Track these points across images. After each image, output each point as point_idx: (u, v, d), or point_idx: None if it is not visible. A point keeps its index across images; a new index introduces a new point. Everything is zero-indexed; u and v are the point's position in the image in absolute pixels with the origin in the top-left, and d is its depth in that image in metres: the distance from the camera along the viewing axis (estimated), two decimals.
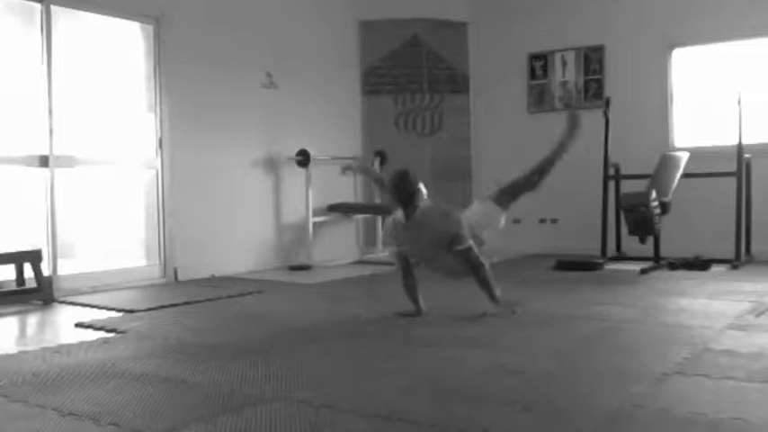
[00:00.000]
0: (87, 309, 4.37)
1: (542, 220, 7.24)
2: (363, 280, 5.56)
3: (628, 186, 6.10)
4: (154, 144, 5.59)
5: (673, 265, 5.71)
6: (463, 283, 5.07)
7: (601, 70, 6.94)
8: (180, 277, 5.62)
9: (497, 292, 3.73)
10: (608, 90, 6.81)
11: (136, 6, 5.46)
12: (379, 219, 7.10)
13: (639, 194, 5.51)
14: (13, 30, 4.92)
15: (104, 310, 4.29)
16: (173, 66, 5.63)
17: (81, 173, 5.19)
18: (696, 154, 6.02)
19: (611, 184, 6.38)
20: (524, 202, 7.44)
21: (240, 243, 6.14)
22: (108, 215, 5.48)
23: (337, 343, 3.32)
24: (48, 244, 4.91)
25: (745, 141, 5.85)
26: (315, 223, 6.55)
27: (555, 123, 7.11)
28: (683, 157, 5.88)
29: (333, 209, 6.81)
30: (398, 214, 3.80)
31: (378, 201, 7.17)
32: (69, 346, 3.31)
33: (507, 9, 7.43)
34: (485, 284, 3.73)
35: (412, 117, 7.43)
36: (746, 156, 5.94)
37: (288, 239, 6.57)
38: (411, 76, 7.41)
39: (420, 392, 2.46)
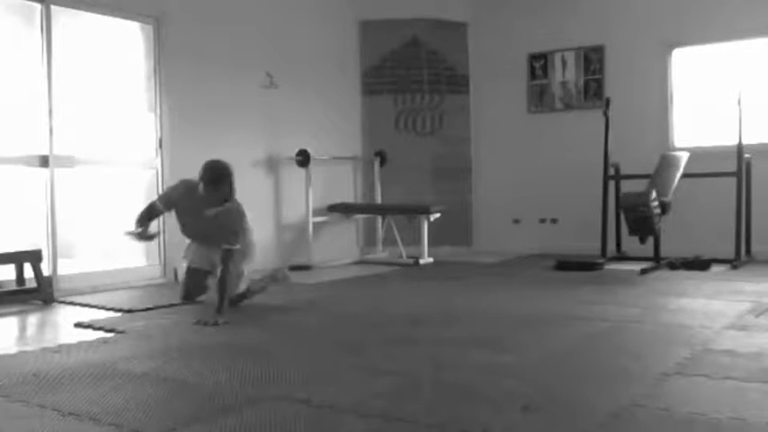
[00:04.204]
0: (87, 309, 4.37)
1: (542, 220, 7.24)
2: (363, 280, 5.56)
3: (628, 186, 6.11)
4: (154, 144, 5.59)
5: (673, 265, 5.71)
6: (464, 284, 5.09)
7: (601, 70, 6.94)
8: (180, 277, 5.60)
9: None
10: (608, 90, 6.81)
11: (136, 6, 5.46)
12: (380, 219, 7.10)
13: (639, 194, 5.51)
14: (13, 30, 4.92)
15: (104, 310, 4.29)
16: (173, 66, 5.63)
17: (81, 173, 5.18)
18: (696, 154, 6.02)
19: (611, 184, 6.39)
20: (524, 202, 7.50)
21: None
22: (108, 215, 5.48)
23: (337, 343, 3.32)
24: (48, 244, 4.90)
25: (745, 141, 5.85)
26: (315, 223, 6.56)
27: (555, 123, 7.18)
28: (683, 157, 5.88)
29: (333, 209, 6.82)
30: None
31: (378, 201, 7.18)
32: (69, 346, 3.31)
33: (507, 9, 7.43)
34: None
35: (412, 117, 7.43)
36: (746, 156, 5.94)
37: (288, 239, 6.56)
38: (411, 76, 7.41)
39: (420, 392, 2.46)
